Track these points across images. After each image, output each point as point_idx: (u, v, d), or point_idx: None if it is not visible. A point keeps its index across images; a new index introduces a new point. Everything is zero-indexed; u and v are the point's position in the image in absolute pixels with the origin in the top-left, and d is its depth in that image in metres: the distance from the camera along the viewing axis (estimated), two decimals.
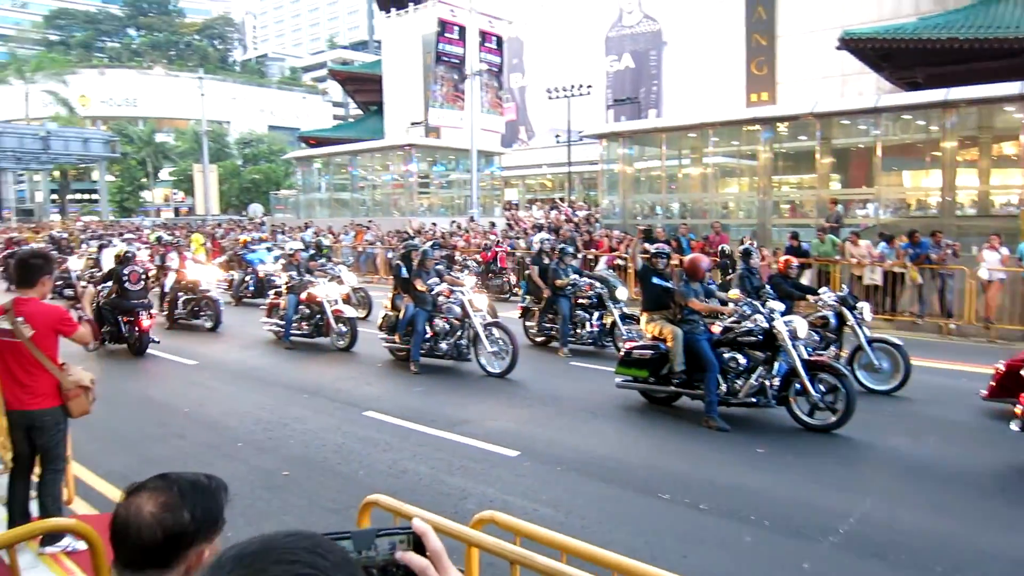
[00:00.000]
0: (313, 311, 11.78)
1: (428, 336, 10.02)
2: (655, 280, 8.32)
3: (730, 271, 13.00)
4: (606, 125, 26.51)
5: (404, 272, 10.37)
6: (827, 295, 9.48)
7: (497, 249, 18.21)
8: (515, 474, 6.09)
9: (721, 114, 22.75)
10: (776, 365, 7.43)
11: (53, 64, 69.11)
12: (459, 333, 9.97)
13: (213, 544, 1.47)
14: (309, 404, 8.39)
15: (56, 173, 65.41)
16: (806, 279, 13.69)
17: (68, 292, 15.97)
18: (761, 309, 7.62)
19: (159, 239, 20.36)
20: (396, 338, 10.34)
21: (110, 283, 11.74)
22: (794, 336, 7.31)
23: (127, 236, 26.83)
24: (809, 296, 9.98)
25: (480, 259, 18.01)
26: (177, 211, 72.38)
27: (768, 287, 9.66)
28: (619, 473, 6.11)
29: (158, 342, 11.57)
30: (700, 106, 31.66)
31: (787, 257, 10.88)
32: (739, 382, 7.55)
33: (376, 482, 5.87)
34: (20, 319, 4.35)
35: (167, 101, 79.74)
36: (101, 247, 18.19)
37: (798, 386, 7.23)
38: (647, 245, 15.36)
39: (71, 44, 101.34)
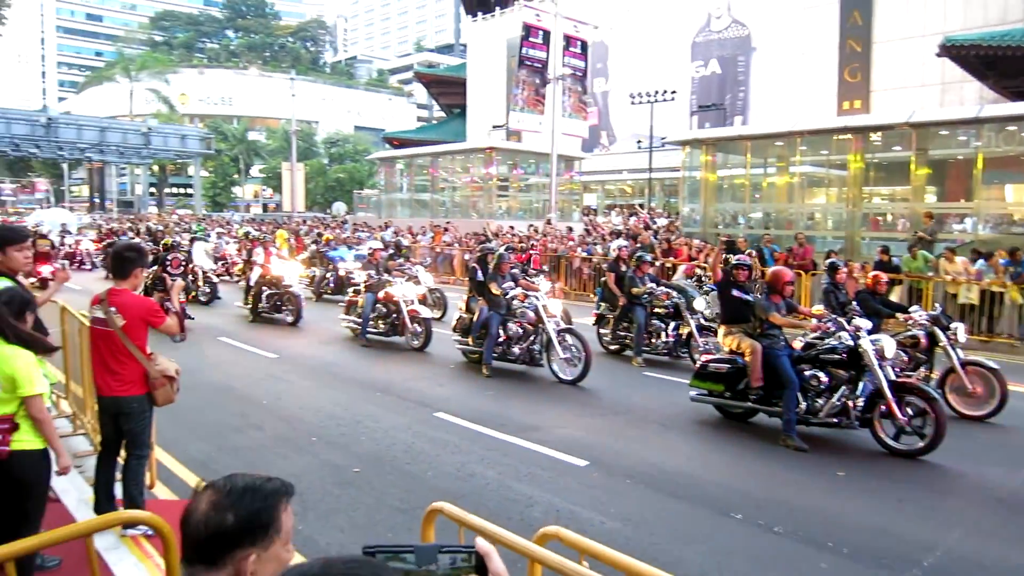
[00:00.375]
0: (390, 310, 11.97)
1: (501, 340, 10.03)
2: (735, 292, 8.11)
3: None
4: (690, 132, 26.12)
5: (479, 275, 10.42)
6: (918, 313, 9.05)
7: (532, 252, 18.34)
8: (583, 484, 6.02)
9: (810, 122, 22.05)
10: (860, 385, 7.13)
11: (157, 63, 72.65)
12: (532, 338, 9.95)
13: (269, 551, 1.47)
14: (381, 402, 8.51)
15: (155, 167, 68.70)
16: (896, 296, 13.13)
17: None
18: (846, 326, 7.32)
19: (247, 234, 21.09)
20: (469, 340, 10.41)
21: (155, 267, 13.85)
22: (881, 356, 6.99)
23: (218, 230, 27.90)
24: (899, 314, 9.55)
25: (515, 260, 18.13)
26: (266, 207, 74.92)
27: (855, 303, 9.29)
28: (691, 489, 5.96)
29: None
30: (788, 114, 30.77)
31: (876, 272, 10.44)
32: (820, 401, 7.27)
33: (444, 484, 5.90)
34: (113, 309, 4.54)
35: (260, 100, 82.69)
36: (192, 240, 18.96)
37: (883, 408, 6.91)
38: (728, 256, 15.05)
39: (174, 45, 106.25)
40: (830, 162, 21.36)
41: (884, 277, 10.19)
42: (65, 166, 64.36)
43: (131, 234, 26.10)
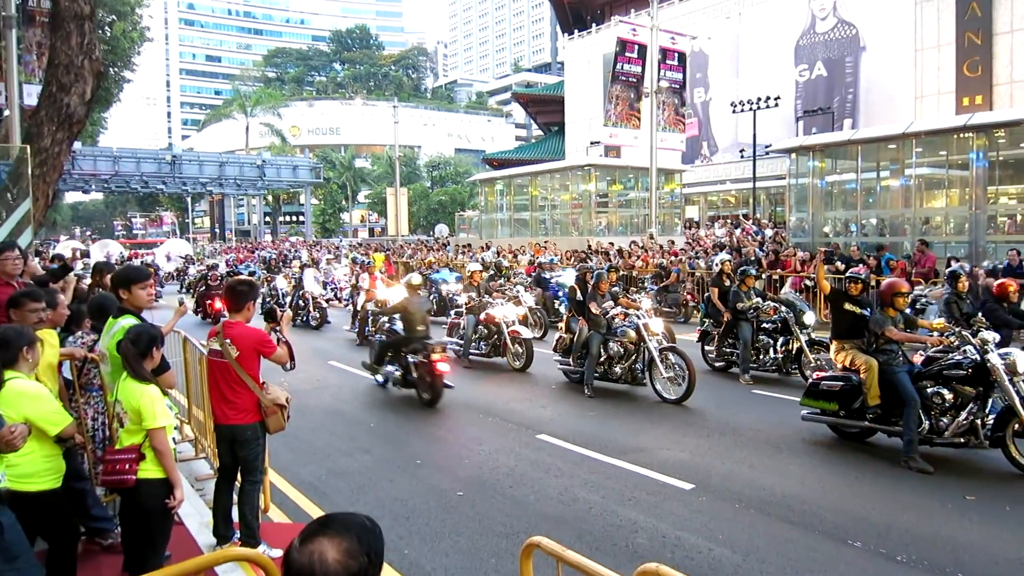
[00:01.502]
0: (491, 331, 12.07)
1: (602, 359, 9.93)
2: (848, 306, 7.72)
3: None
4: (795, 139, 25.19)
5: (579, 295, 10.37)
6: None
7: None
8: (689, 509, 5.86)
9: (927, 122, 20.92)
10: (990, 402, 6.66)
11: (270, 99, 76.66)
12: (634, 357, 9.80)
13: None
14: (484, 424, 8.58)
15: (269, 197, 72.19)
16: None
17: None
18: (971, 339, 6.85)
19: (354, 260, 21.81)
20: (571, 360, 10.35)
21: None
22: (1012, 371, 6.50)
23: (327, 256, 28.97)
24: None
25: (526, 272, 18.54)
26: (372, 231, 77.40)
27: (981, 314, 8.68)
28: (804, 514, 5.70)
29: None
30: (902, 114, 29.40)
31: (1004, 280, 9.74)
32: (944, 419, 6.82)
33: (547, 508, 5.88)
34: (227, 341, 4.78)
35: (365, 129, 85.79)
36: (303, 267, 19.78)
37: (1017, 426, 6.42)
38: (840, 265, 14.41)
39: (285, 80, 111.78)
40: (950, 163, 20.16)
41: (1014, 285, 9.49)
42: (188, 199, 68.53)
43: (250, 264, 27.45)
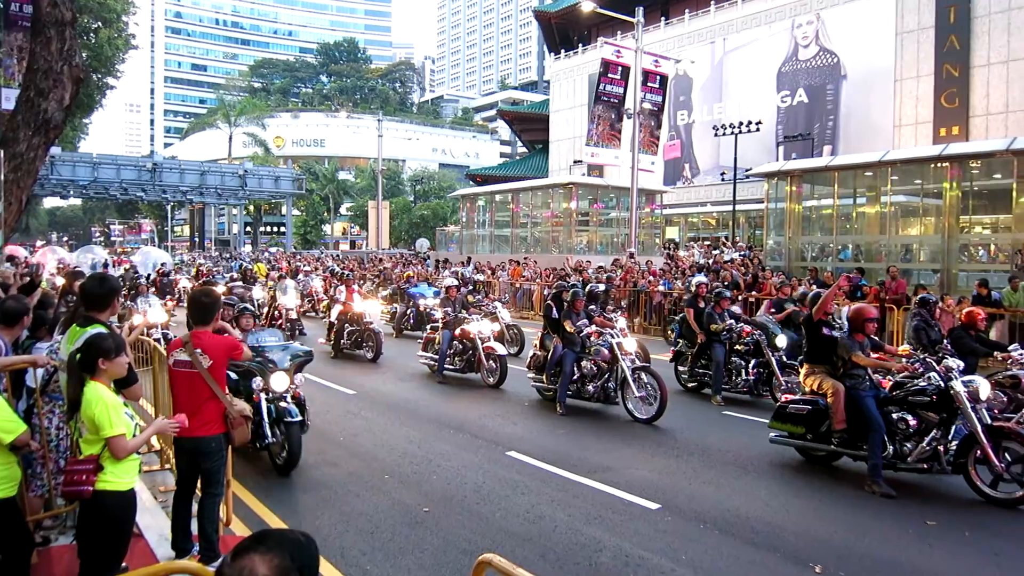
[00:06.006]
0: (466, 347, 12.06)
1: (576, 377, 9.95)
2: (825, 331, 7.73)
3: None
4: (775, 164, 25.50)
5: (554, 312, 10.40)
6: (1019, 352, 8.52)
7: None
8: (654, 529, 5.87)
9: (904, 151, 21.27)
10: (953, 428, 6.74)
11: (255, 109, 76.54)
12: (607, 376, 9.83)
13: None
14: (454, 440, 8.55)
15: (251, 207, 71.87)
16: (995, 333, 12.40)
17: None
18: (935, 367, 6.94)
19: (332, 272, 21.73)
20: (544, 378, 10.37)
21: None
22: (975, 398, 6.59)
23: (305, 268, 28.82)
24: (997, 352, 9.01)
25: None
26: (353, 244, 77.20)
27: (947, 341, 8.81)
28: (768, 537, 5.73)
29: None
30: (881, 142, 29.91)
31: (972, 308, 9.90)
32: (908, 445, 6.89)
33: (512, 526, 5.87)
34: (198, 351, 4.75)
35: (350, 141, 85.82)
36: (280, 278, 19.68)
37: (979, 453, 6.50)
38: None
39: (271, 91, 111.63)
40: (925, 191, 20.49)
41: (982, 313, 9.65)
42: (169, 208, 68.07)
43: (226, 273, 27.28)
